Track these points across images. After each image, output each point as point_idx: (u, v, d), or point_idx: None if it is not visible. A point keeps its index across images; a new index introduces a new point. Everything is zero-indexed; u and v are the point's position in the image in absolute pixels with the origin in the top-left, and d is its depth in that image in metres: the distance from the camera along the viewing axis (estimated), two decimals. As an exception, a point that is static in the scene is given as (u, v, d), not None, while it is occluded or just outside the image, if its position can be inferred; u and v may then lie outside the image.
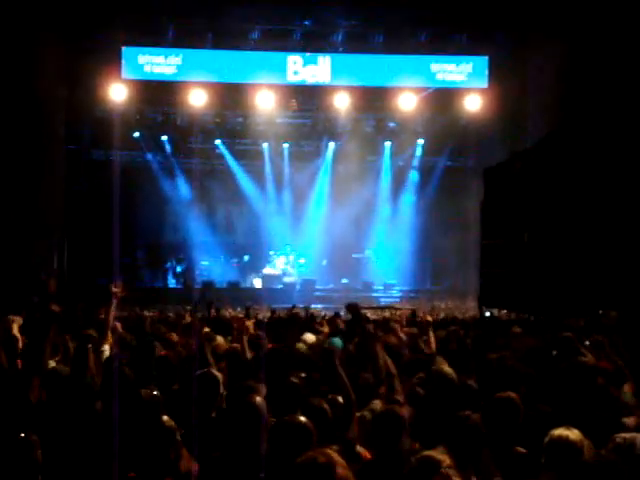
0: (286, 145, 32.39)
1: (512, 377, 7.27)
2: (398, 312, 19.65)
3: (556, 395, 6.94)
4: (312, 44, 28.86)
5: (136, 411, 6.01)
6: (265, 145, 32.28)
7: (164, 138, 31.57)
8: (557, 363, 8.05)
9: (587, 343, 9.72)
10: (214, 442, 5.89)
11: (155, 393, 6.32)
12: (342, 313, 15.67)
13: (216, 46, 28.60)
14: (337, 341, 9.84)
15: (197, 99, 28.60)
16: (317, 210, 33.01)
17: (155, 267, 31.99)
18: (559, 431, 5.43)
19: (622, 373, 8.18)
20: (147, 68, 28.29)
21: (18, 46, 23.40)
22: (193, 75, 28.37)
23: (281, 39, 28.73)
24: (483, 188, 19.02)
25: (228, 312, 19.83)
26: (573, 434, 5.40)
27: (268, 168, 32.78)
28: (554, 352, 8.95)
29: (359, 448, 6.10)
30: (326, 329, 12.36)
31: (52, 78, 25.83)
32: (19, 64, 23.59)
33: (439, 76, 29.11)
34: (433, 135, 31.66)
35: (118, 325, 9.42)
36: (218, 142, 32.02)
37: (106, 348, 8.62)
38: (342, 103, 29.27)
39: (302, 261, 32.32)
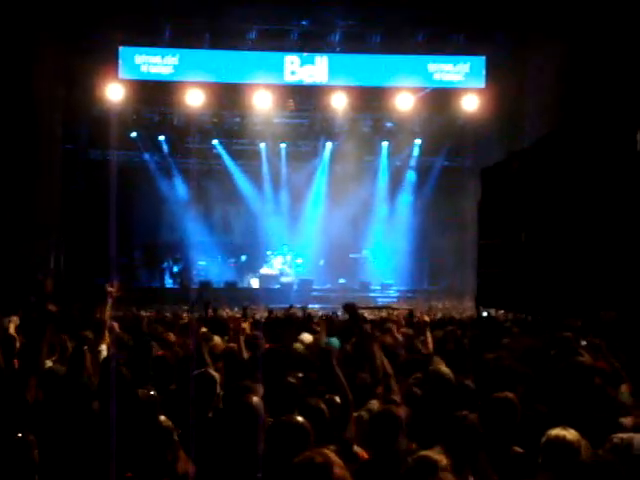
0: (283, 145, 32.39)
1: (509, 377, 7.27)
2: (395, 312, 19.66)
3: (553, 395, 6.94)
4: (309, 44, 28.86)
5: (133, 411, 6.00)
6: (262, 145, 32.27)
7: (161, 138, 31.56)
8: (555, 363, 8.04)
9: (584, 343, 9.72)
10: (211, 442, 5.89)
11: (152, 393, 6.31)
12: (339, 313, 15.70)
13: (213, 46, 28.60)
14: (334, 341, 9.84)
15: (194, 99, 28.60)
16: (314, 210, 33.01)
17: (152, 267, 31.99)
18: (556, 431, 5.43)
19: (619, 374, 8.18)
20: (144, 68, 28.29)
21: (15, 46, 23.38)
22: (190, 75, 28.36)
23: (278, 39, 28.72)
24: (480, 188, 19.02)
25: (225, 312, 19.82)
26: (570, 434, 5.40)
27: (265, 168, 32.77)
28: (552, 352, 8.94)
29: (356, 448, 6.10)
30: (320, 329, 12.34)
31: (49, 78, 25.83)
32: (16, 64, 23.58)
33: (436, 76, 29.13)
34: (430, 135, 31.69)
35: (115, 325, 9.41)
36: (215, 142, 32.02)
37: (103, 348, 8.61)
38: (339, 103, 29.27)
39: (299, 261, 32.32)
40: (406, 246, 32.42)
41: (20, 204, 24.10)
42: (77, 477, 5.63)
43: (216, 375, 7.08)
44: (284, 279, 31.28)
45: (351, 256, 32.76)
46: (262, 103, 29.02)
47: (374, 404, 6.98)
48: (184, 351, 9.22)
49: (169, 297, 26.18)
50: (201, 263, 32.51)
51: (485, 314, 18.93)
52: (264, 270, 31.77)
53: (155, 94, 29.07)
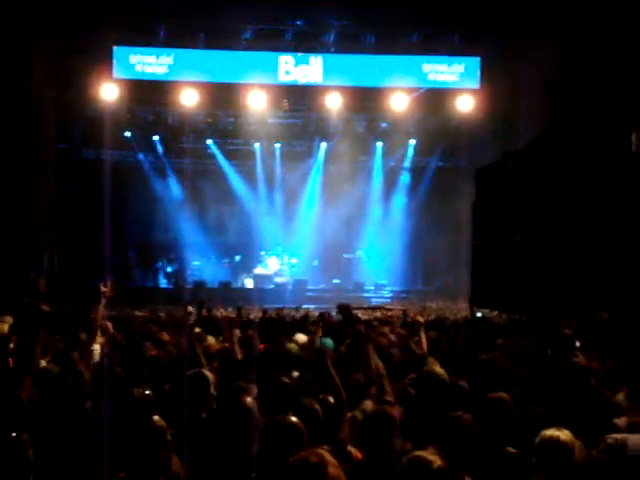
0: (278, 145, 32.36)
1: (503, 377, 7.27)
2: (389, 313, 19.66)
3: (548, 395, 6.95)
4: (304, 44, 28.87)
5: (127, 411, 5.99)
6: (257, 145, 32.25)
7: (155, 138, 31.54)
8: (550, 364, 8.05)
9: (578, 344, 9.72)
10: (204, 443, 5.88)
11: (147, 393, 6.30)
12: (333, 313, 15.70)
13: (208, 46, 28.59)
14: (328, 341, 9.86)
15: (188, 99, 28.58)
16: (309, 210, 33.00)
17: (146, 267, 31.93)
18: (550, 432, 5.44)
19: (611, 374, 8.19)
20: (138, 68, 28.28)
21: (9, 45, 23.36)
22: (184, 75, 28.35)
23: (273, 39, 28.73)
24: (475, 188, 19.01)
25: (220, 312, 19.80)
26: (564, 435, 5.40)
27: (260, 168, 32.75)
28: (549, 352, 8.95)
29: (350, 448, 6.10)
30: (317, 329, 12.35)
31: (43, 77, 25.78)
32: (10, 63, 23.56)
33: (431, 76, 29.13)
34: (425, 135, 31.71)
35: (109, 325, 9.39)
36: (209, 142, 31.99)
37: (96, 347, 8.59)
38: (334, 103, 29.27)
39: (294, 261, 32.32)
40: (400, 246, 32.42)
41: (13, 204, 24.08)
42: (71, 476, 5.62)
43: (210, 375, 7.07)
44: (278, 279, 31.30)
45: (345, 256, 32.76)
46: (256, 103, 29.01)
47: (368, 404, 6.99)
48: (178, 350, 9.21)
49: (163, 297, 26.13)
50: (195, 263, 32.50)
51: (479, 315, 18.92)
52: (258, 270, 31.76)
53: (149, 94, 29.04)
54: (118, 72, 28.10)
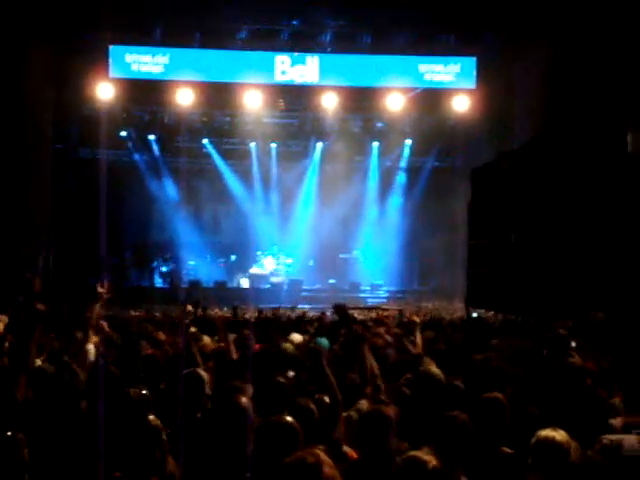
0: (274, 145, 32.35)
1: (498, 377, 7.28)
2: (385, 313, 19.66)
3: (544, 396, 6.95)
4: (300, 44, 28.86)
5: (122, 410, 5.99)
6: (252, 145, 32.22)
7: (151, 137, 31.50)
8: (545, 364, 8.05)
9: (574, 344, 9.73)
10: (199, 442, 5.88)
11: (144, 392, 6.29)
12: (328, 313, 15.71)
13: (204, 45, 28.57)
14: (323, 341, 9.84)
15: (184, 98, 28.55)
16: (305, 210, 32.99)
17: (142, 266, 31.89)
18: (546, 432, 5.45)
19: (608, 375, 8.20)
20: (134, 67, 28.25)
21: (6, 45, 23.33)
22: (180, 74, 28.32)
23: (269, 39, 28.72)
24: (470, 189, 19.02)
25: (215, 312, 19.80)
26: (560, 435, 5.41)
27: (255, 168, 32.73)
28: (544, 353, 8.95)
29: (345, 448, 6.10)
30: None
31: (40, 77, 25.77)
32: (6, 63, 23.52)
33: (427, 76, 29.14)
34: (421, 135, 31.73)
35: (104, 324, 9.38)
36: (205, 141, 31.96)
37: (90, 347, 8.58)
38: (330, 103, 29.26)
39: (289, 261, 32.31)
40: (396, 247, 32.42)
41: (10, 203, 24.05)
42: (67, 476, 5.61)
43: (205, 375, 7.06)
44: (274, 279, 31.29)
45: (341, 256, 32.76)
46: (252, 103, 29.00)
47: (363, 404, 6.99)
48: (174, 350, 9.20)
49: (159, 297, 26.12)
50: (191, 263, 32.49)
51: (475, 315, 18.94)
52: (254, 270, 31.75)
53: (145, 93, 29.02)
54: (114, 71, 28.07)
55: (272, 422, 5.30)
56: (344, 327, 9.36)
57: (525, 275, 14.98)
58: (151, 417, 5.62)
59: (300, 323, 14.50)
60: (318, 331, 11.70)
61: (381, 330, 10.93)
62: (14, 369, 6.84)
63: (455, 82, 29.25)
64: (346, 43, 29.04)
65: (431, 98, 29.56)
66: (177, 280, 30.68)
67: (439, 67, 29.14)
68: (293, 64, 28.67)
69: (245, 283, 31.51)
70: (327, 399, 6.49)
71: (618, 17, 19.94)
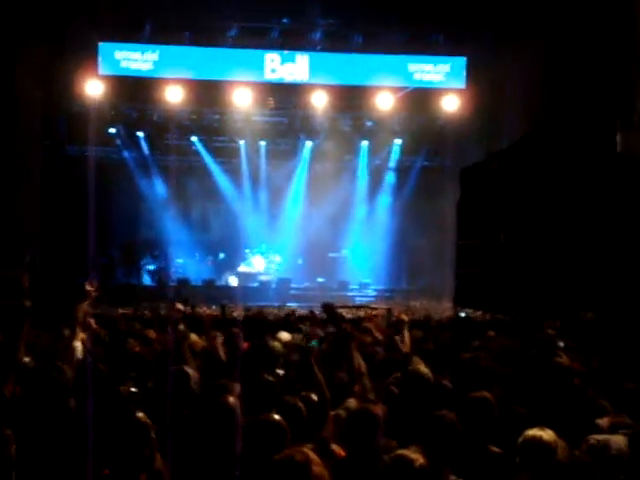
0: (263, 143, 32.30)
1: (486, 377, 7.29)
2: (373, 312, 19.66)
3: (532, 395, 6.96)
4: (290, 42, 28.83)
5: (111, 407, 5.98)
6: (242, 143, 32.17)
7: (140, 135, 31.44)
8: (533, 364, 8.06)
9: (562, 344, 9.75)
10: (188, 441, 5.87)
11: (133, 390, 6.29)
12: (317, 312, 15.72)
13: (193, 43, 28.51)
14: (313, 343, 9.85)
15: (174, 96, 28.50)
16: (293, 208, 32.97)
17: (130, 264, 31.81)
18: (533, 431, 5.46)
19: (596, 375, 8.21)
20: (124, 64, 28.17)
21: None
22: (170, 71, 28.27)
23: (259, 37, 28.69)
24: (460, 188, 19.03)
25: (203, 310, 19.78)
26: (547, 434, 5.42)
27: (245, 166, 32.68)
28: (533, 353, 8.97)
29: (333, 446, 6.10)
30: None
31: (29, 74, 25.69)
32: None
33: (417, 76, 29.14)
34: (410, 135, 31.74)
35: (92, 321, 9.37)
36: (194, 139, 31.90)
37: (78, 344, 8.56)
38: (319, 102, 29.25)
39: (277, 259, 32.30)
40: (385, 246, 32.46)
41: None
42: (54, 473, 5.60)
43: (191, 372, 7.06)
44: (262, 277, 31.29)
45: (330, 255, 32.75)
46: (242, 100, 28.98)
47: (351, 403, 6.99)
48: (162, 347, 9.19)
49: (147, 294, 26.10)
50: (179, 261, 32.42)
51: (463, 314, 18.96)
52: (242, 268, 31.75)
53: (135, 90, 28.96)
54: (103, 68, 28.00)
55: (260, 420, 5.31)
56: (332, 325, 9.37)
57: (514, 275, 14.99)
58: (140, 414, 5.61)
59: (288, 321, 14.51)
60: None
61: (370, 326, 10.93)
62: (2, 366, 6.82)
63: (445, 82, 29.27)
64: (336, 42, 29.03)
65: (421, 98, 29.56)
66: (165, 278, 30.64)
67: (429, 67, 29.15)
68: (283, 62, 28.66)
69: (233, 281, 31.50)
70: (315, 397, 6.49)
71: (607, 17, 19.98)
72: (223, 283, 31.49)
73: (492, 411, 6.14)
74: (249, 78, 28.57)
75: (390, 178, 33.37)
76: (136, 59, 28.17)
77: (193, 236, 32.54)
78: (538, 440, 5.39)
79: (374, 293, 31.15)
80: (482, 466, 5.71)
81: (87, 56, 27.40)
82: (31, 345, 8.72)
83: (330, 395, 6.60)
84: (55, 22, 25.96)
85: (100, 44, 27.81)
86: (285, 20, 28.49)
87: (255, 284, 30.94)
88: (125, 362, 8.48)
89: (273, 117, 31.49)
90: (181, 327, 9.80)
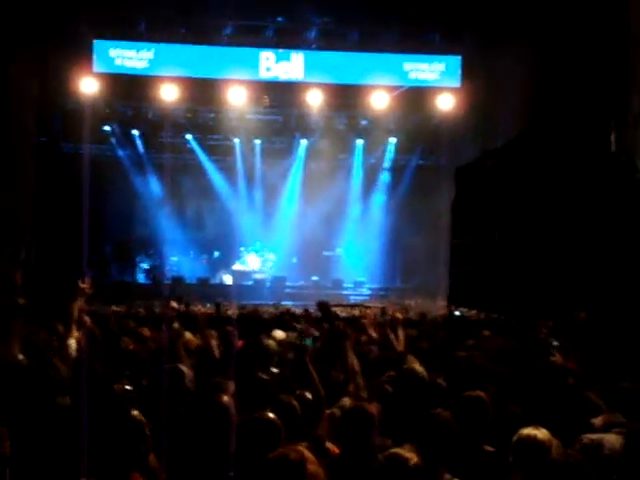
0: (258, 141, 32.30)
1: (481, 376, 7.29)
2: (367, 310, 19.66)
3: (526, 394, 6.96)
4: (285, 41, 28.84)
5: (106, 405, 5.98)
6: (237, 141, 32.16)
7: (135, 132, 31.41)
8: (528, 363, 8.07)
9: (555, 344, 9.75)
10: (182, 439, 5.87)
11: (128, 388, 6.29)
12: (311, 310, 15.72)
13: (188, 41, 28.49)
14: (308, 341, 9.85)
15: (168, 94, 28.48)
16: (288, 207, 32.98)
17: (124, 262, 31.79)
18: (527, 430, 5.47)
19: (589, 374, 8.22)
20: (118, 62, 28.16)
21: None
22: (165, 70, 28.23)
23: (254, 35, 28.69)
24: (454, 187, 19.03)
25: (197, 308, 19.77)
26: (541, 434, 5.43)
27: (239, 164, 32.67)
28: (526, 352, 8.97)
29: (328, 444, 6.10)
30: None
31: (24, 71, 25.64)
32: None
33: (412, 75, 29.17)
34: (405, 134, 31.77)
35: (87, 319, 9.36)
36: (189, 137, 31.89)
37: (72, 342, 8.56)
38: (314, 100, 29.26)
39: (272, 257, 32.30)
40: (379, 244, 32.50)
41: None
42: (49, 470, 5.60)
43: (185, 370, 7.06)
44: (257, 276, 31.28)
45: (324, 254, 32.77)
46: (237, 99, 28.96)
47: (346, 401, 6.99)
48: (156, 345, 9.19)
49: (141, 292, 26.09)
50: (173, 259, 32.39)
51: (457, 313, 18.96)
52: (237, 266, 31.73)
53: (129, 88, 28.92)
54: (98, 66, 27.98)
55: (254, 419, 5.31)
56: (327, 324, 9.38)
57: (508, 274, 15.00)
58: (135, 412, 5.62)
59: (283, 320, 14.51)
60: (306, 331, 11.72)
61: (365, 324, 10.93)
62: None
63: (440, 80, 29.31)
64: (331, 40, 29.04)
65: (416, 96, 29.57)
66: (159, 276, 30.62)
67: (424, 65, 29.18)
68: (278, 61, 28.66)
69: (228, 279, 31.48)
70: (309, 395, 6.50)
71: (601, 16, 20.00)
72: (218, 281, 31.49)
73: (486, 410, 6.15)
74: (244, 76, 28.56)
75: (385, 177, 33.38)
76: (131, 57, 28.15)
77: (188, 234, 32.53)
78: (532, 439, 5.40)
79: (368, 292, 31.17)
80: (476, 465, 5.71)
81: (82, 54, 27.38)
82: (25, 342, 8.72)
83: (325, 394, 6.60)
84: (50, 19, 25.88)
85: (95, 42, 27.79)
86: (280, 18, 28.50)
87: (250, 282, 30.92)
88: (119, 360, 8.48)
89: (268, 115, 31.47)
90: (175, 325, 9.82)
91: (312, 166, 32.49)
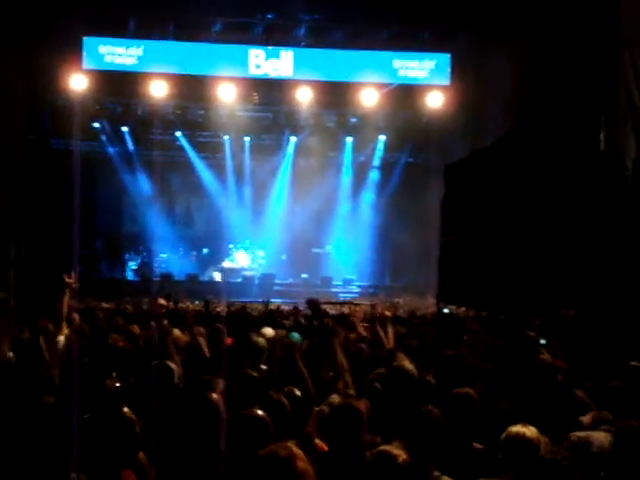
0: (247, 138, 32.31)
1: (470, 373, 7.31)
2: (357, 308, 19.68)
3: (515, 392, 6.98)
4: (274, 38, 28.80)
5: (98, 402, 5.98)
6: (226, 138, 32.15)
7: (124, 129, 31.38)
8: (516, 361, 8.09)
9: (543, 342, 9.77)
10: (171, 436, 5.87)
11: (118, 385, 6.29)
12: (301, 308, 15.73)
13: (178, 38, 28.43)
14: (296, 336, 9.86)
15: (158, 90, 28.42)
16: (277, 204, 33.01)
17: (113, 259, 31.78)
18: (516, 428, 5.48)
19: (578, 372, 8.26)
20: (108, 58, 28.09)
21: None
22: (154, 66, 28.17)
23: (243, 32, 28.65)
24: (444, 185, 19.06)
25: (186, 305, 19.77)
26: (529, 431, 5.45)
27: (229, 161, 32.67)
28: (515, 350, 8.99)
29: (317, 441, 6.11)
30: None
31: (13, 68, 25.56)
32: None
33: (401, 72, 29.15)
34: (395, 131, 31.77)
35: (76, 317, 9.36)
36: (179, 134, 31.86)
37: (61, 339, 8.55)
38: (304, 97, 29.24)
39: (261, 254, 32.30)
40: (368, 242, 32.56)
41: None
42: (39, 467, 5.59)
43: (173, 366, 7.06)
44: (246, 273, 31.27)
45: (314, 251, 32.79)
46: (226, 96, 28.92)
47: (335, 398, 7.00)
48: (145, 342, 9.19)
49: (130, 289, 26.07)
50: (163, 255, 32.37)
51: (446, 311, 18.99)
52: (226, 263, 31.72)
53: (119, 85, 28.84)
54: (87, 63, 27.90)
55: (243, 416, 5.31)
56: (316, 321, 9.39)
57: (497, 272, 15.04)
58: (126, 409, 5.62)
59: (272, 317, 14.53)
60: (294, 326, 11.74)
61: (356, 321, 10.94)
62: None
63: (429, 78, 29.30)
64: (320, 38, 29.00)
65: (405, 94, 29.57)
66: (148, 273, 30.60)
67: (413, 63, 29.16)
68: (267, 58, 28.62)
69: (217, 277, 31.47)
70: (298, 392, 6.50)
71: (591, 14, 20.03)
72: (207, 278, 31.50)
73: (475, 408, 6.16)
74: (233, 73, 28.52)
75: (374, 174, 33.39)
76: (120, 54, 28.09)
77: (177, 231, 32.57)
78: (521, 437, 5.41)
79: (358, 289, 31.20)
80: (465, 462, 5.73)
81: (71, 50, 27.30)
82: (15, 339, 8.73)
83: (315, 391, 6.61)
84: (40, 16, 25.81)
85: (84, 38, 27.70)
86: (269, 16, 28.46)
87: (238, 280, 30.90)
88: (107, 357, 8.48)
89: (257, 112, 31.50)
90: (164, 322, 9.81)
91: (301, 163, 32.54)
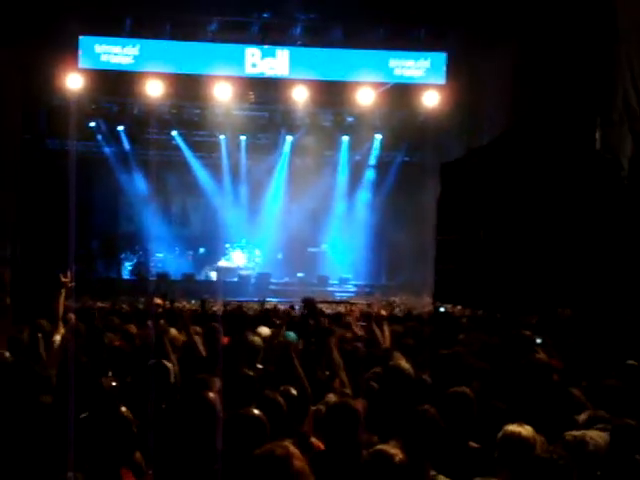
0: (243, 137, 32.28)
1: (466, 372, 7.32)
2: (353, 307, 19.68)
3: (511, 391, 6.99)
4: (270, 37, 28.77)
5: (95, 401, 5.98)
6: (222, 137, 32.10)
7: (120, 128, 31.33)
8: (512, 360, 8.10)
9: (539, 341, 9.79)
10: (168, 435, 5.87)
11: (114, 384, 6.30)
12: (297, 307, 15.73)
13: (174, 37, 28.39)
14: (291, 335, 9.87)
15: (154, 90, 28.37)
16: (274, 203, 32.97)
17: (109, 258, 31.77)
18: (512, 427, 5.50)
19: (574, 371, 8.27)
20: (104, 58, 28.04)
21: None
22: (150, 66, 28.13)
23: (239, 31, 28.62)
24: (440, 184, 19.07)
25: (182, 305, 19.77)
26: (525, 430, 5.46)
27: (225, 160, 32.62)
28: (510, 349, 9.01)
29: (313, 440, 6.12)
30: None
31: (9, 67, 25.55)
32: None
33: (397, 71, 29.13)
34: (391, 130, 31.75)
35: (72, 316, 9.36)
36: (175, 133, 31.83)
37: (57, 338, 8.55)
38: (300, 96, 29.20)
39: (257, 253, 32.30)
40: (364, 241, 32.55)
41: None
42: (35, 466, 5.59)
43: (170, 365, 7.07)
44: (242, 272, 31.24)
45: (310, 250, 32.77)
46: (222, 95, 28.88)
47: (331, 398, 7.01)
48: (141, 341, 9.19)
49: (126, 288, 26.07)
50: (159, 255, 32.35)
51: (442, 310, 19.00)
52: (222, 263, 31.71)
53: (115, 84, 28.81)
54: (83, 62, 27.85)
55: (240, 415, 5.32)
56: (312, 320, 9.39)
57: (493, 271, 15.05)
58: (123, 409, 5.62)
59: (268, 316, 14.52)
60: (288, 325, 11.72)
61: (352, 320, 10.95)
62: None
63: (425, 77, 29.27)
64: (316, 37, 28.98)
65: (401, 93, 29.54)
66: (144, 272, 30.59)
67: (409, 62, 29.13)
68: (263, 57, 28.59)
69: (213, 276, 31.47)
70: (294, 391, 6.51)
71: (586, 13, 20.04)
72: (203, 278, 31.48)
73: (472, 407, 6.17)
74: (229, 72, 28.49)
75: (370, 173, 33.39)
76: (116, 53, 28.05)
77: (173, 230, 32.55)
78: (517, 436, 5.43)
79: (354, 288, 31.17)
80: (461, 461, 5.74)
81: (67, 49, 27.25)
82: (12, 339, 8.72)
83: (311, 390, 6.61)
84: (35, 15, 25.79)
85: (80, 37, 27.64)
86: (265, 15, 28.43)
87: (234, 279, 30.89)
88: (103, 356, 8.48)
89: (253, 112, 31.45)
90: (161, 322, 9.81)
91: (297, 162, 32.51)
